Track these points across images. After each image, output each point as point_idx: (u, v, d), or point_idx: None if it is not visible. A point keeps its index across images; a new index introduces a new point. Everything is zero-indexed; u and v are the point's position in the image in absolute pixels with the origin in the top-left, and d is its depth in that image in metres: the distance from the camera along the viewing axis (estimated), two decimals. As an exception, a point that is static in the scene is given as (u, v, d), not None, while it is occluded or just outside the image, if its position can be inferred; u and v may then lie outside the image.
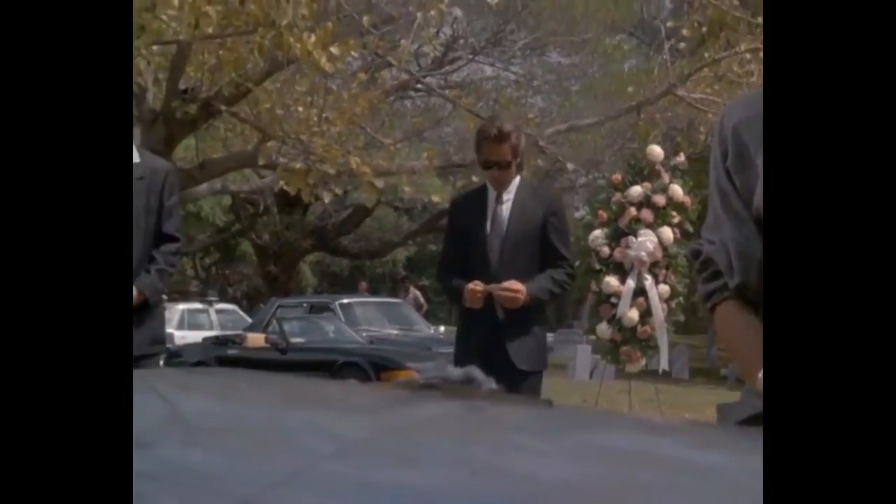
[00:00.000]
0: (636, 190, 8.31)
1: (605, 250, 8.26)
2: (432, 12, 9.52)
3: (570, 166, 14.75)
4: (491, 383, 1.00)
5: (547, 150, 13.27)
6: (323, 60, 8.13)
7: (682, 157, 8.80)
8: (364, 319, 13.38)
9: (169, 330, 12.58)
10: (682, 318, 8.67)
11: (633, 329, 8.11)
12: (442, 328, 15.01)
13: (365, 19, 9.50)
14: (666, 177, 8.43)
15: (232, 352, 11.19)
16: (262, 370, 3.27)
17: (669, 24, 12.75)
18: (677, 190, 8.37)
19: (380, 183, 10.35)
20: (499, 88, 17.25)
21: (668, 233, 8.23)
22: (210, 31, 8.37)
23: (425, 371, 1.03)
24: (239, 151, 12.41)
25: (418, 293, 17.95)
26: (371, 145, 11.90)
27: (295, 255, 23.69)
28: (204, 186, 12.84)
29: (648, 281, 8.13)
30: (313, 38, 8.03)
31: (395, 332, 13.08)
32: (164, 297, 3.98)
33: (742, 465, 0.78)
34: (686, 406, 10.31)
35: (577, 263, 7.90)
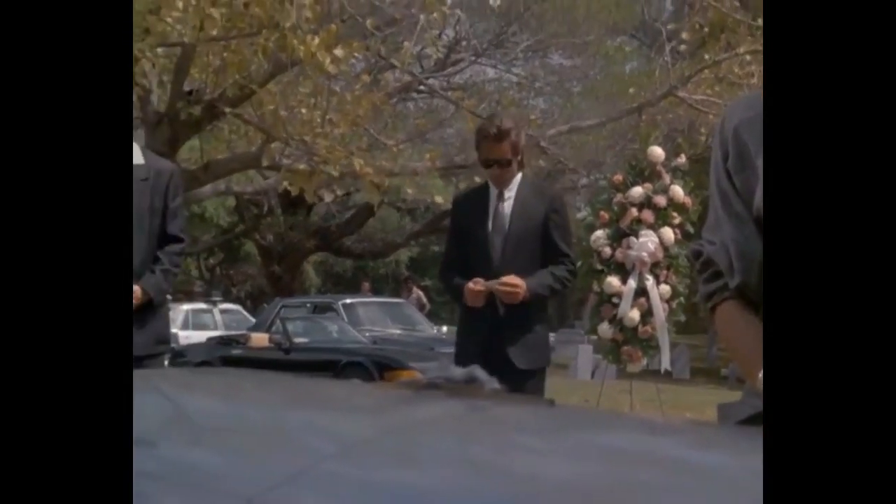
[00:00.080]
0: (637, 191, 8.29)
1: (607, 251, 8.24)
2: (435, 15, 9.51)
3: (571, 167, 14.76)
4: (493, 383, 1.01)
5: (549, 151, 13.30)
6: (326, 62, 8.16)
7: (682, 158, 8.77)
8: (367, 319, 13.37)
9: (173, 330, 12.58)
10: (683, 318, 8.65)
11: (635, 329, 8.10)
12: (444, 328, 14.98)
13: (368, 22, 9.51)
14: (667, 178, 8.41)
15: (236, 352, 11.22)
16: (266, 370, 3.29)
17: (670, 26, 12.78)
18: (678, 191, 8.35)
19: (383, 183, 10.37)
20: (501, 90, 17.24)
21: (669, 233, 8.21)
22: (214, 33, 8.38)
23: (428, 371, 1.04)
24: (243, 153, 12.38)
25: (421, 293, 17.95)
26: (374, 146, 11.88)
27: (298, 256, 23.68)
28: (208, 187, 12.85)
29: (650, 281, 8.11)
30: (317, 40, 8.06)
31: (398, 332, 13.08)
32: (169, 297, 3.98)
33: (742, 464, 0.78)
34: (687, 406, 10.31)
35: (578, 264, 7.91)
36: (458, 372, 1.01)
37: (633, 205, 8.27)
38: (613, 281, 8.18)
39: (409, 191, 11.80)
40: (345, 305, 13.80)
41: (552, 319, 14.97)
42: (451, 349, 4.02)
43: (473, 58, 17.02)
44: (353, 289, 23.94)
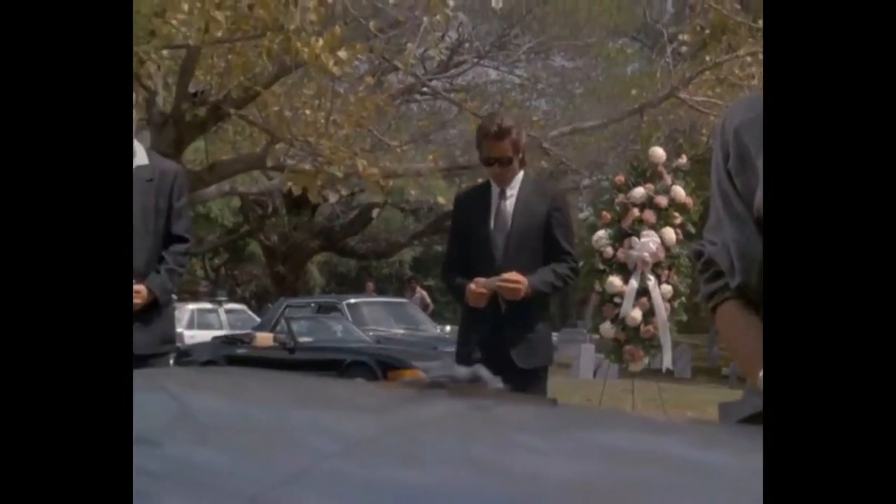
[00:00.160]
0: (639, 191, 8.26)
1: (609, 251, 8.21)
2: (438, 17, 9.51)
3: (573, 168, 14.76)
4: (497, 382, 1.00)
5: (551, 151, 13.33)
6: (330, 64, 8.18)
7: (684, 159, 8.75)
8: (371, 319, 13.36)
9: (179, 329, 12.65)
10: (684, 317, 8.63)
11: (637, 328, 8.09)
12: (448, 328, 14.90)
13: (372, 24, 9.51)
14: (668, 178, 8.38)
15: (241, 351, 11.22)
16: (271, 369, 3.28)
17: (671, 28, 12.79)
18: (679, 191, 8.32)
19: (387, 184, 10.41)
20: (503, 91, 17.27)
21: (670, 233, 8.18)
22: (219, 35, 8.43)
23: (431, 370, 1.05)
24: (247, 154, 12.42)
25: (424, 293, 17.94)
26: (378, 148, 11.91)
27: (303, 256, 23.74)
28: (213, 188, 12.86)
29: (651, 281, 8.09)
30: (321, 42, 8.08)
31: (402, 331, 13.06)
32: (174, 296, 3.97)
33: (743, 463, 0.78)
34: (688, 405, 10.31)
35: (580, 263, 7.92)
36: (462, 371, 1.02)
37: (634, 205, 8.24)
38: (615, 281, 8.16)
39: (413, 191, 11.83)
40: (349, 305, 13.80)
41: (554, 319, 14.99)
42: (454, 348, 4.00)
43: (476, 60, 17.05)
44: (357, 289, 23.95)
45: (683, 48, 11.80)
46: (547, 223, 3.77)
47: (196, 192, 11.37)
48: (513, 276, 3.64)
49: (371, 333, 12.13)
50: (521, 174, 3.84)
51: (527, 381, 3.58)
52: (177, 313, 7.99)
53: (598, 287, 8.30)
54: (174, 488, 0.84)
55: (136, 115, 3.76)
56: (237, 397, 1.18)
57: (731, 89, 11.23)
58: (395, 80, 14.15)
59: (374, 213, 21.88)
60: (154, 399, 1.10)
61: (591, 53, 16.74)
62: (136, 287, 3.55)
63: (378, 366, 9.83)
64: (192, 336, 15.60)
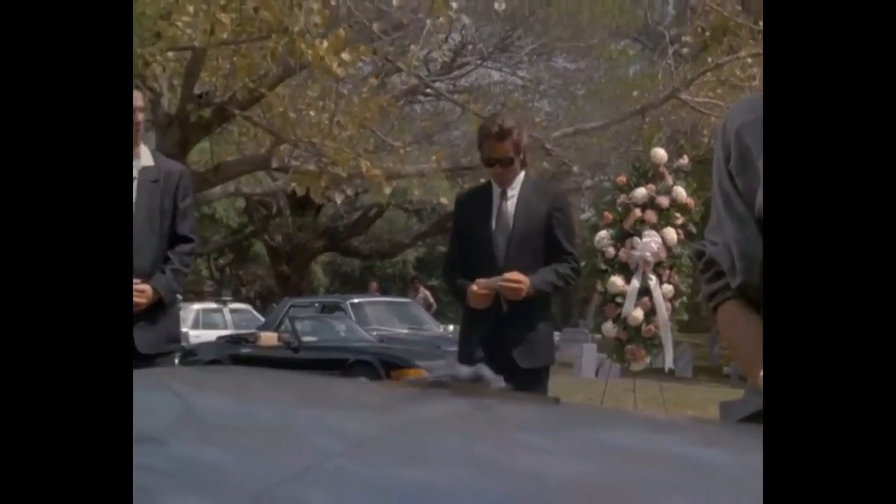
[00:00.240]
0: (641, 192, 8.22)
1: (611, 251, 8.15)
2: (441, 19, 9.51)
3: (575, 169, 14.78)
4: (499, 381, 1.01)
5: (553, 152, 13.36)
6: (334, 66, 8.21)
7: (685, 160, 8.73)
8: (374, 319, 13.38)
9: (184, 329, 12.68)
10: (685, 317, 8.59)
11: (638, 328, 8.06)
12: (451, 327, 14.88)
13: (375, 26, 9.56)
14: (670, 179, 8.35)
15: (245, 350, 11.25)
16: (275, 368, 3.31)
17: (673, 30, 12.84)
18: (681, 192, 8.28)
19: (390, 185, 10.45)
20: (506, 93, 17.27)
21: (671, 234, 8.14)
22: (224, 37, 8.48)
23: (435, 369, 1.05)
24: (252, 155, 12.46)
25: (428, 293, 17.90)
26: (381, 148, 11.95)
27: (307, 256, 23.76)
28: (218, 189, 12.90)
29: (653, 281, 8.04)
30: (325, 44, 8.11)
31: (405, 331, 13.07)
32: (179, 296, 4.00)
33: (744, 461, 0.79)
34: (689, 404, 10.34)
35: (582, 264, 7.93)
36: (465, 370, 1.02)
37: (636, 205, 8.20)
38: (617, 280, 8.11)
39: (416, 192, 11.86)
40: (352, 305, 13.82)
41: (556, 318, 14.96)
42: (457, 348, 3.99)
43: (479, 61, 17.06)
44: (361, 289, 23.99)
45: (685, 50, 11.83)
46: (548, 223, 3.77)
47: (201, 192, 11.38)
48: (514, 276, 3.64)
49: (374, 333, 12.15)
50: (522, 175, 3.84)
51: (528, 380, 3.56)
52: (182, 313, 8.03)
53: (599, 287, 8.24)
54: (179, 486, 0.84)
55: (143, 117, 3.77)
56: (242, 396, 1.19)
57: (732, 90, 11.25)
58: (398, 81, 14.19)
59: (375, 212, 21.92)
60: (159, 398, 1.11)
61: (593, 55, 16.70)
62: (141, 287, 3.57)
63: (381, 365, 9.86)
64: (197, 336, 15.56)
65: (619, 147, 15.08)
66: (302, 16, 7.95)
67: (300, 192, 10.70)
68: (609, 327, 8.22)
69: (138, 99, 3.65)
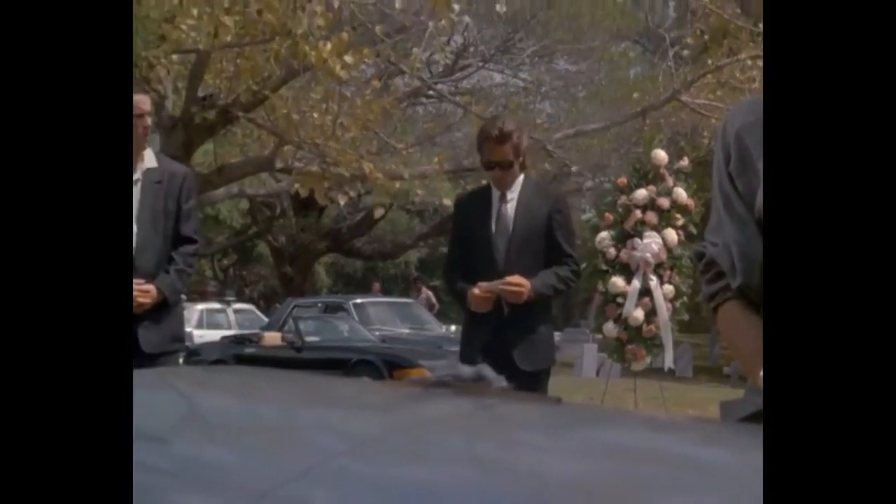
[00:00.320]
0: (641, 193, 8.22)
1: (612, 251, 8.14)
2: (443, 22, 9.48)
3: (574, 169, 14.78)
4: (501, 381, 1.01)
5: (554, 154, 13.39)
6: (337, 68, 8.24)
7: (685, 161, 8.73)
8: (377, 319, 13.40)
9: (188, 329, 12.79)
10: (686, 317, 8.60)
11: (639, 328, 8.07)
12: (453, 327, 14.78)
13: (378, 28, 9.53)
14: (670, 180, 8.35)
15: (249, 350, 11.31)
16: (279, 368, 3.28)
17: (673, 32, 12.81)
18: (681, 193, 8.28)
19: (392, 186, 10.49)
20: (508, 95, 17.33)
21: (672, 235, 8.14)
22: (228, 40, 8.52)
23: (437, 369, 1.06)
24: (256, 156, 12.49)
25: (430, 293, 17.91)
26: (384, 150, 11.97)
27: (310, 257, 23.80)
28: (222, 190, 12.94)
29: (653, 281, 8.05)
30: (328, 46, 8.12)
31: (408, 331, 13.09)
32: (184, 296, 4.00)
33: (744, 460, 0.79)
34: (690, 403, 10.36)
35: (584, 264, 7.90)
36: (467, 370, 1.02)
37: (637, 207, 8.20)
38: (618, 281, 8.09)
39: (418, 193, 11.87)
40: (355, 305, 13.84)
41: (557, 319, 14.94)
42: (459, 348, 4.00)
43: (481, 63, 17.10)
44: (364, 289, 23.99)
45: (685, 52, 11.85)
46: (548, 226, 3.77)
47: (205, 194, 11.42)
48: (516, 279, 3.64)
49: (377, 333, 12.17)
50: (521, 177, 3.83)
51: (529, 383, 3.56)
52: (186, 313, 8.04)
53: (600, 287, 8.21)
54: (183, 486, 0.84)
55: (150, 121, 3.82)
56: (245, 396, 1.19)
57: (731, 92, 11.26)
58: (401, 83, 14.24)
59: (379, 213, 21.94)
60: (163, 397, 1.12)
61: (594, 57, 16.75)
62: (145, 287, 3.59)
63: (384, 365, 9.90)
64: (202, 335, 15.65)
65: (619, 148, 15.10)
66: (305, 18, 7.94)
67: (304, 193, 10.74)
68: (610, 327, 8.21)
69: (146, 103, 3.69)
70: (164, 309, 3.71)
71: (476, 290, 3.66)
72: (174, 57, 9.25)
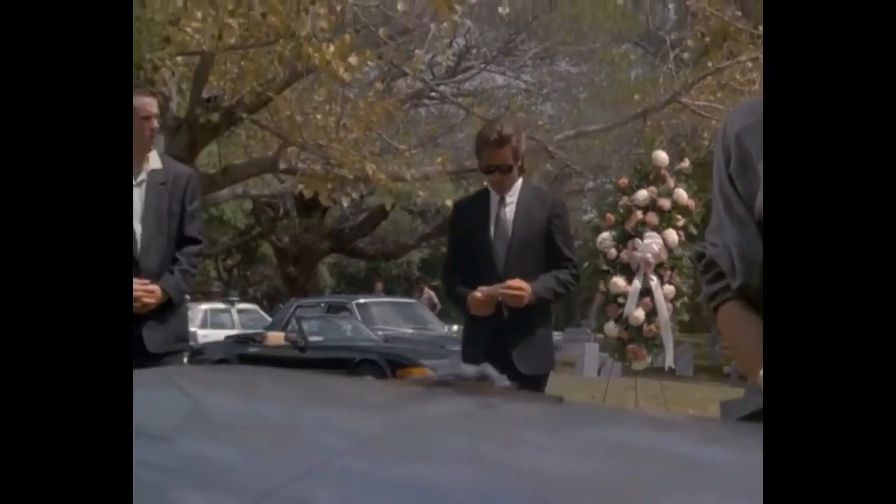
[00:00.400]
0: (642, 194, 8.24)
1: (613, 252, 8.17)
2: (445, 24, 9.51)
3: (576, 170, 14.77)
4: (503, 380, 1.02)
5: (556, 155, 13.42)
6: (341, 70, 8.28)
7: (686, 163, 8.76)
8: (380, 319, 13.44)
9: (192, 329, 12.82)
10: (686, 317, 8.61)
11: (640, 328, 8.10)
12: (455, 327, 14.80)
13: (381, 31, 9.57)
14: (671, 181, 8.38)
15: (253, 350, 11.34)
16: (282, 367, 3.24)
17: (674, 34, 12.84)
18: (682, 194, 8.31)
19: (395, 187, 10.52)
20: (510, 96, 17.37)
21: (672, 235, 8.17)
22: (232, 42, 8.56)
23: (439, 368, 1.07)
24: (260, 157, 12.53)
25: (432, 293, 17.92)
26: (387, 151, 12.00)
27: (313, 257, 23.82)
28: (226, 191, 12.98)
29: (654, 281, 8.07)
30: (332, 48, 8.16)
31: (410, 330, 13.12)
32: (188, 296, 4.02)
33: (744, 459, 0.79)
34: (690, 402, 10.37)
35: (585, 265, 7.90)
36: (469, 369, 1.03)
37: (638, 207, 8.22)
38: (619, 281, 8.10)
39: (421, 194, 11.89)
40: (358, 305, 13.88)
41: (559, 319, 14.95)
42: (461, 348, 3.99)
43: (483, 65, 17.15)
44: (367, 289, 23.99)
45: (685, 54, 11.86)
46: (547, 230, 3.76)
47: (209, 194, 11.46)
48: (516, 283, 3.64)
49: (380, 333, 12.20)
50: (520, 181, 3.82)
51: (529, 386, 3.44)
52: (190, 313, 8.08)
53: (602, 287, 8.22)
54: (187, 484, 0.84)
55: (157, 123, 3.88)
56: (249, 395, 1.19)
57: (732, 94, 11.28)
58: (403, 85, 14.27)
59: (388, 207, 21.99)
60: (167, 396, 1.12)
61: (595, 59, 16.78)
62: (150, 287, 3.62)
63: (387, 364, 9.94)
64: (206, 335, 15.67)
65: (620, 150, 15.12)
66: (309, 21, 7.96)
67: (307, 194, 10.77)
68: (611, 327, 8.23)
69: (153, 106, 3.73)
70: (169, 309, 3.73)
71: (477, 294, 3.66)
72: (179, 59, 9.26)
